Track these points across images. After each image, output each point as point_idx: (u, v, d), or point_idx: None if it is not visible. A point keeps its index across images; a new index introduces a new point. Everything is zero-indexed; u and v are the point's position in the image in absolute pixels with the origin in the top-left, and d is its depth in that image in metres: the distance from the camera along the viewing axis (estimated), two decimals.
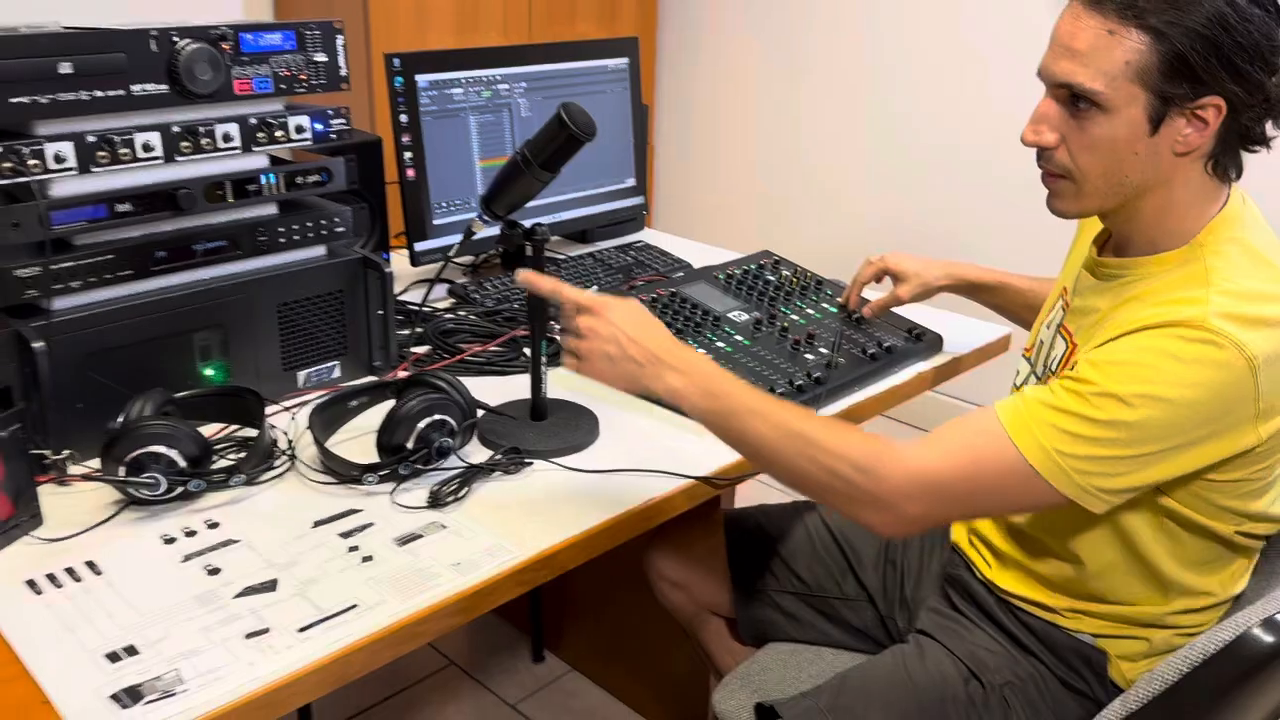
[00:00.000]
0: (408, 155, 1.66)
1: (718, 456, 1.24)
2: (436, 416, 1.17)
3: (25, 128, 1.13)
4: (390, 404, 1.22)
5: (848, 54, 3.14)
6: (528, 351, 1.52)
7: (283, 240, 1.33)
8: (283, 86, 1.29)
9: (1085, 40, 0.98)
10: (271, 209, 1.34)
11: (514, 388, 1.39)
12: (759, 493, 2.61)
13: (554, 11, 3.07)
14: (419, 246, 1.70)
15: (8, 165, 1.09)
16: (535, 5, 3.01)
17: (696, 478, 1.19)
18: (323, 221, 1.37)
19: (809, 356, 1.44)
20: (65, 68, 1.12)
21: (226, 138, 1.25)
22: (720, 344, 1.44)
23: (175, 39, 1.19)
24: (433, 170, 1.69)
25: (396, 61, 1.61)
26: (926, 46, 2.94)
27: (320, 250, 1.38)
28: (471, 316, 1.62)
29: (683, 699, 1.85)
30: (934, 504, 1.01)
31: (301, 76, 1.30)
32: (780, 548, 1.44)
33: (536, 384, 1.29)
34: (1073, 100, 1.01)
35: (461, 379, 1.28)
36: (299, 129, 1.31)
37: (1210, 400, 0.94)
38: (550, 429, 1.28)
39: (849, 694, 1.20)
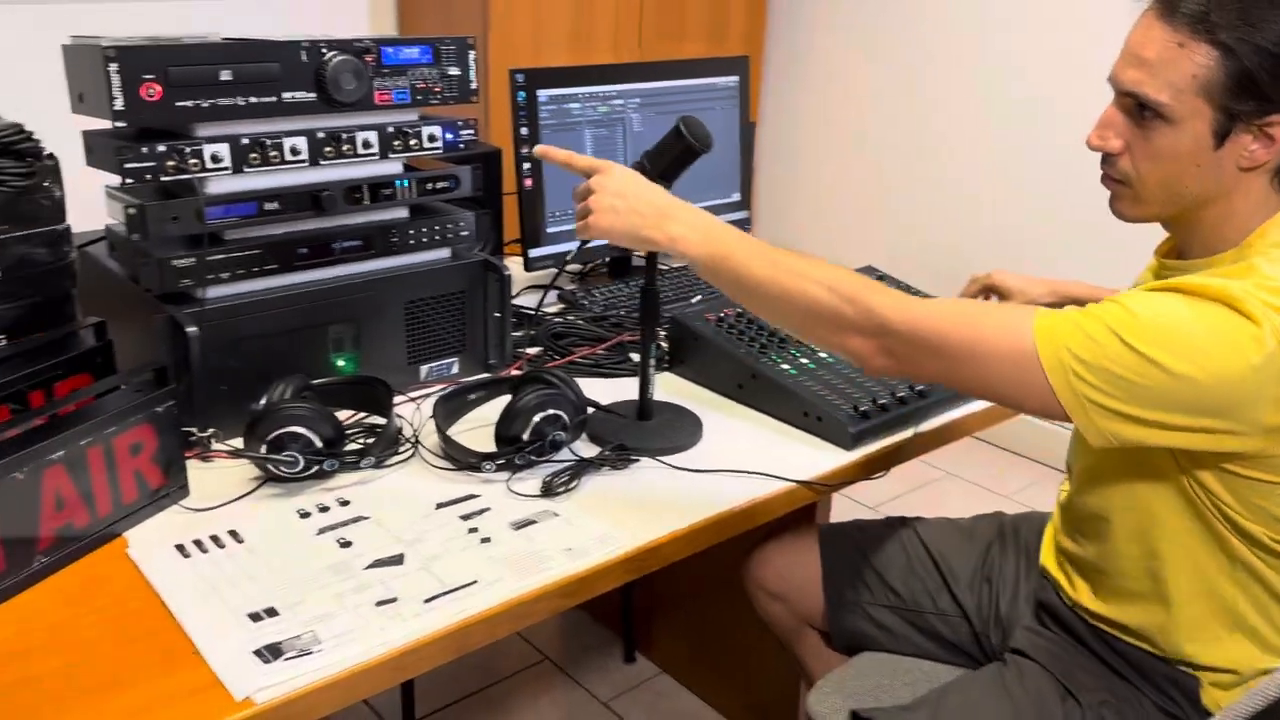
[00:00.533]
0: (526, 165, 1.74)
1: (817, 463, 1.27)
2: (551, 411, 1.23)
3: (187, 129, 1.24)
4: (507, 399, 1.29)
5: (957, 71, 3.14)
6: (634, 356, 1.57)
7: (412, 242, 1.41)
8: (418, 98, 1.38)
9: (1154, 50, 0.99)
10: (403, 212, 1.42)
11: (620, 389, 1.45)
12: (852, 509, 2.62)
13: (664, 29, 3.14)
14: (533, 253, 1.77)
15: (171, 164, 1.19)
16: (646, 23, 3.09)
17: (797, 481, 1.22)
18: (449, 226, 1.44)
19: None
20: (225, 75, 1.21)
21: (366, 144, 1.34)
22: (822, 354, 1.47)
23: (324, 50, 1.28)
24: (549, 180, 1.76)
25: (520, 77, 1.69)
26: (1039, 60, 2.92)
27: (445, 253, 1.46)
28: (579, 321, 1.68)
29: (772, 706, 1.88)
30: (920, 351, 1.02)
31: (435, 89, 1.39)
32: (875, 562, 1.45)
33: (644, 385, 1.34)
34: (1138, 109, 1.02)
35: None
36: (431, 138, 1.39)
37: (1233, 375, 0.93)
38: (656, 429, 1.33)
39: (948, 711, 1.21)
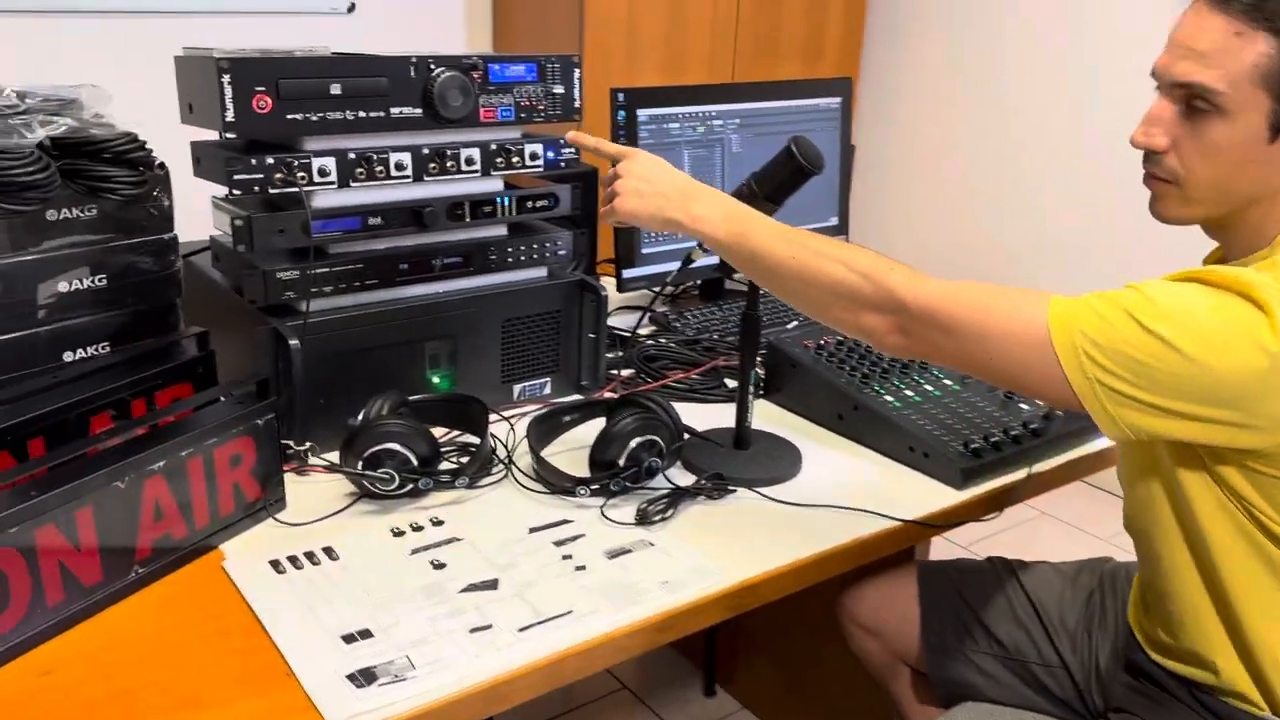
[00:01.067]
0: None
1: (924, 501, 1.21)
2: (648, 437, 1.20)
3: (295, 143, 1.24)
4: (602, 422, 1.26)
5: (1050, 91, 3.05)
6: (729, 381, 1.54)
7: (510, 260, 1.40)
8: (522, 115, 1.36)
9: (1209, 41, 0.95)
10: (502, 230, 1.41)
11: (714, 415, 1.41)
12: (945, 546, 2.54)
13: (759, 50, 3.11)
14: (627, 274, 1.75)
15: (278, 176, 1.20)
16: (741, 44, 3.06)
17: (904, 520, 1.17)
18: (546, 244, 1.43)
19: (1024, 406, 1.39)
20: (335, 89, 1.21)
21: (469, 161, 1.33)
22: (928, 387, 1.41)
23: (432, 66, 1.27)
24: None
25: (621, 96, 1.67)
26: (1137, 89, 2.81)
27: (542, 271, 1.45)
28: (672, 344, 1.65)
29: None
30: (933, 330, 1.00)
31: (539, 106, 1.37)
32: (977, 606, 1.39)
33: (742, 412, 1.30)
34: (1188, 104, 0.98)
35: None
36: (533, 156, 1.38)
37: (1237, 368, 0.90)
38: (753, 458, 1.29)
39: None
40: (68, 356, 1.19)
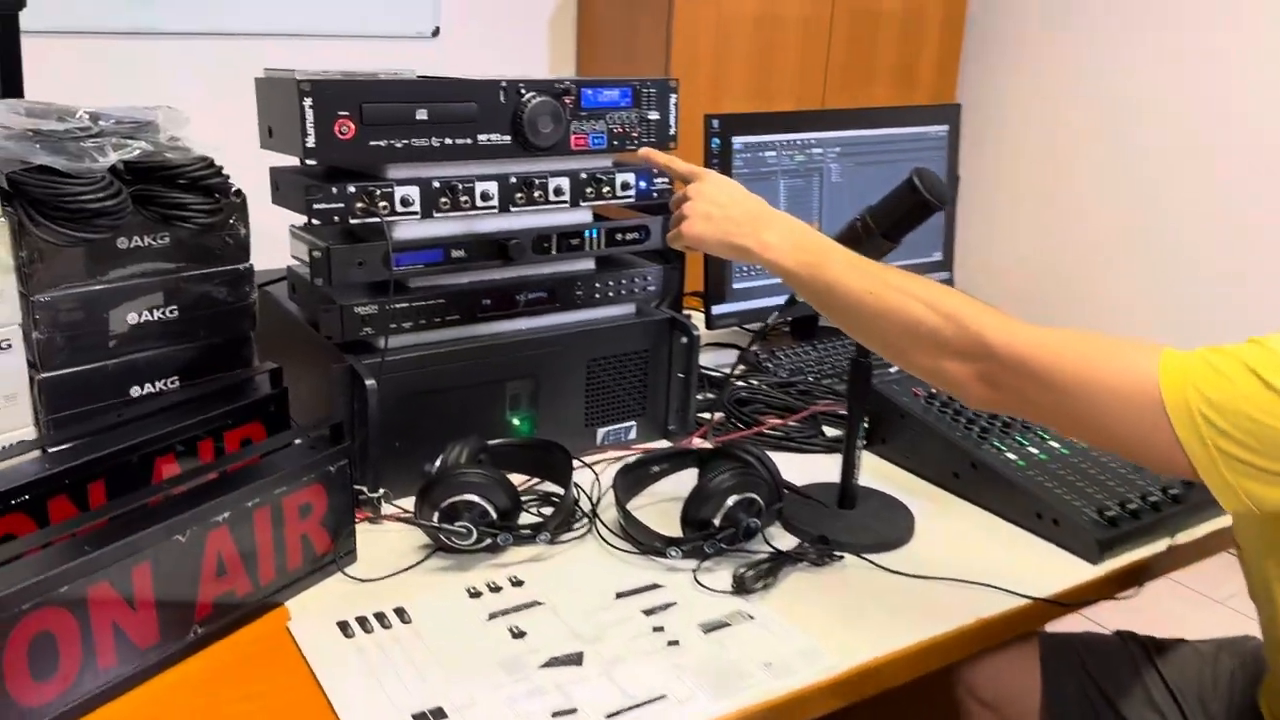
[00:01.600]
0: None
1: (1056, 575, 1.09)
2: (746, 494, 1.10)
3: (378, 170, 1.17)
4: (692, 474, 1.16)
5: (1160, 115, 2.88)
6: (829, 430, 1.43)
7: (597, 295, 1.31)
8: (615, 143, 1.28)
9: None
10: (589, 264, 1.33)
11: (813, 468, 1.30)
12: (1075, 621, 2.36)
13: (849, 77, 3.00)
14: (716, 309, 1.65)
15: (360, 206, 1.13)
16: (831, 70, 2.96)
17: (1039, 599, 1.04)
18: (635, 279, 1.34)
19: None
20: (421, 114, 1.14)
21: (558, 191, 1.25)
22: (1054, 444, 1.28)
23: (523, 91, 1.19)
24: None
25: (716, 123, 1.58)
26: (1250, 100, 2.64)
27: (629, 308, 1.36)
28: (764, 386, 1.54)
29: None
30: (1025, 381, 0.89)
31: (633, 134, 1.29)
32: (1106, 687, 1.25)
33: (849, 468, 1.19)
34: None
35: None
36: (624, 186, 1.30)
37: None
38: (860, 519, 1.18)
39: None
40: (135, 391, 1.13)
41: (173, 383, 1.16)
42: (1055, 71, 3.15)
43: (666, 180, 1.33)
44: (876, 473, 1.31)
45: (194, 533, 0.90)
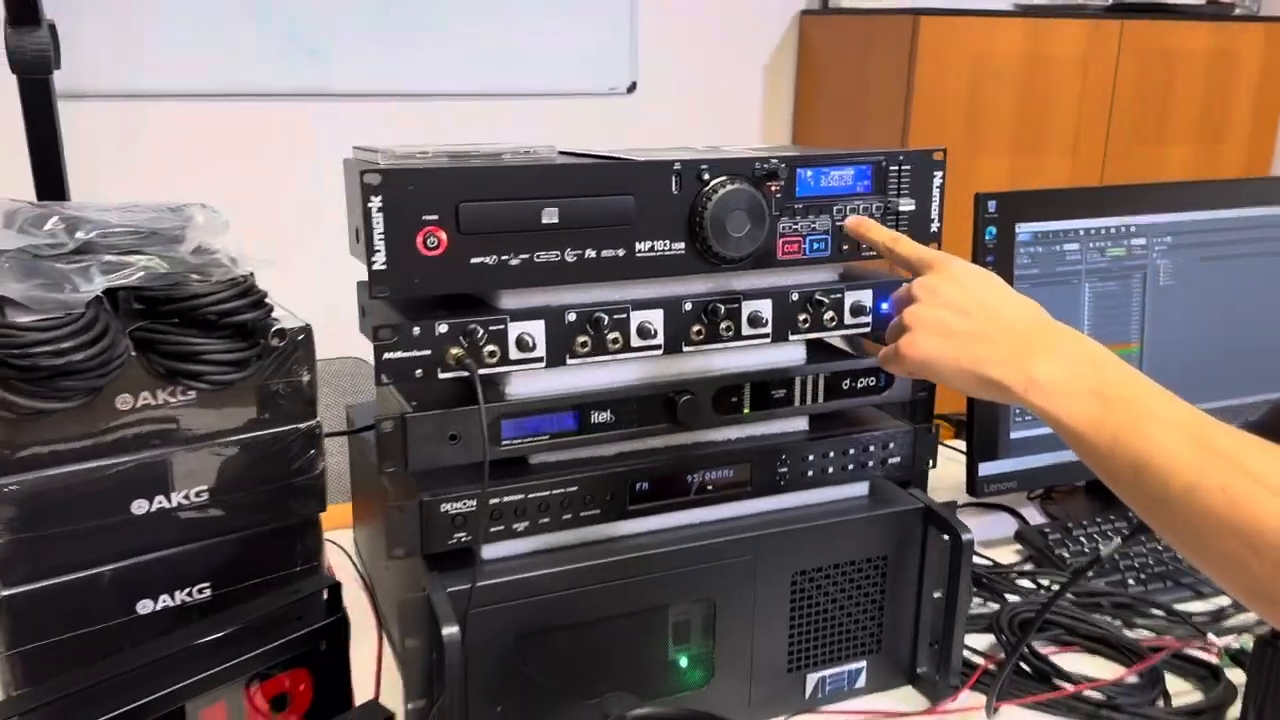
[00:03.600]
0: None
1: None
2: None
3: (486, 295, 0.79)
4: None
5: None
6: (1174, 682, 0.92)
7: (811, 473, 0.88)
8: (844, 247, 0.85)
9: None
10: (800, 424, 0.90)
11: None
12: None
13: (1139, 133, 2.43)
14: (986, 468, 1.17)
15: (455, 352, 0.75)
16: (1115, 125, 2.40)
17: None
18: (870, 447, 0.89)
19: None
20: (550, 216, 0.76)
21: (755, 320, 0.83)
22: None
23: (705, 174, 0.79)
24: None
25: (991, 204, 1.12)
26: None
27: (860, 489, 0.91)
28: (1068, 597, 1.04)
29: None
30: None
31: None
32: None
33: None
34: None
35: None
36: (857, 310, 0.87)
37: None
38: None
39: None
40: (144, 607, 0.80)
41: (201, 592, 0.82)
42: None
43: None
44: None
45: None
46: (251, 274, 0.79)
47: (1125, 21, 2.33)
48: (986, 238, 1.12)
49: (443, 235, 0.73)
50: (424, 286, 0.73)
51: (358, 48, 2.08)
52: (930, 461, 0.93)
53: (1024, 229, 1.14)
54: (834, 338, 0.92)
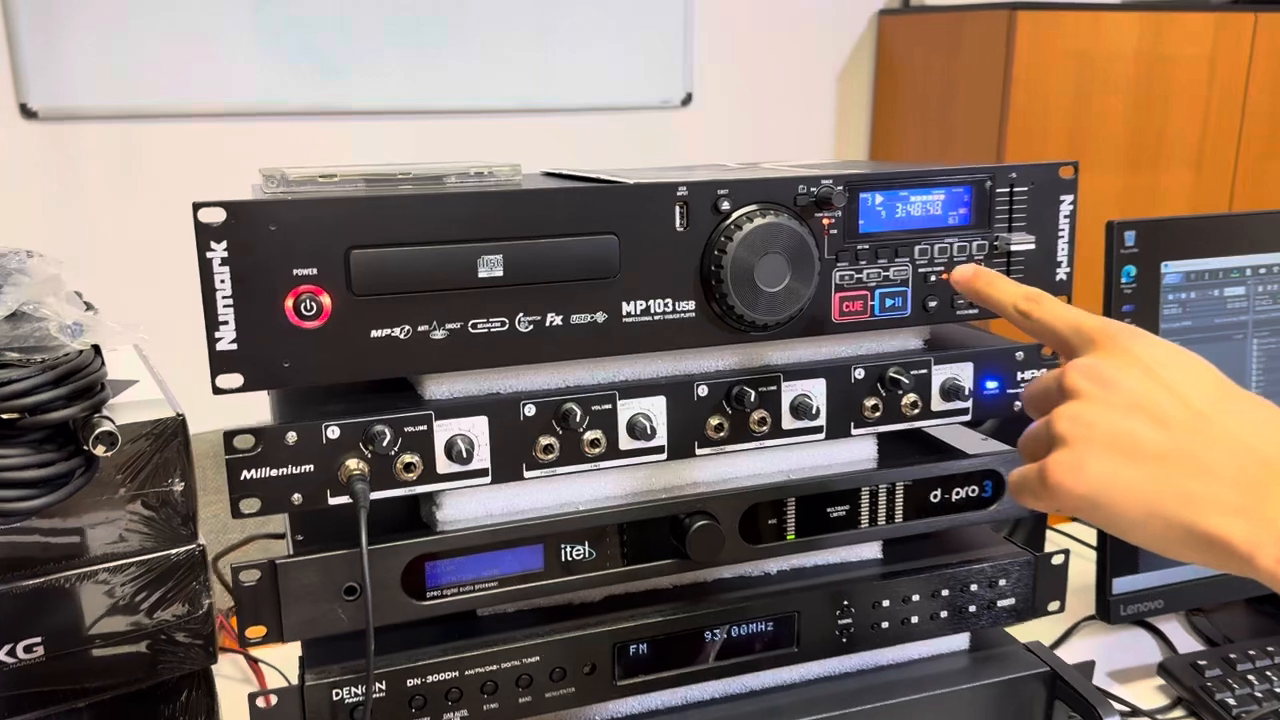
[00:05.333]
0: None
1: None
2: None
3: (413, 381, 0.55)
4: None
5: None
6: None
7: (885, 624, 0.62)
8: (931, 302, 0.59)
9: None
10: (869, 552, 0.64)
11: None
12: None
13: (1276, 139, 2.10)
14: (1121, 584, 0.88)
15: (353, 467, 0.51)
16: (1248, 130, 2.08)
17: None
18: (971, 585, 0.63)
19: None
20: (492, 266, 0.51)
21: (801, 409, 0.58)
22: None
23: (725, 202, 0.54)
24: None
25: (1129, 235, 0.84)
26: None
27: (957, 643, 0.65)
28: None
29: None
30: None
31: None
32: None
33: None
34: None
35: None
36: (950, 392, 0.60)
37: None
38: None
39: None
40: None
41: None
42: None
43: (1042, 373, 0.63)
44: None
45: None
46: (92, 350, 0.56)
47: (1260, 14, 2.02)
48: (1123, 280, 0.84)
49: (325, 299, 0.49)
50: (298, 374, 0.50)
51: (381, 62, 1.89)
52: (1059, 604, 0.66)
53: (1172, 268, 0.86)
54: (921, 427, 0.65)
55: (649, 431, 0.55)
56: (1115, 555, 0.88)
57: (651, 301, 0.54)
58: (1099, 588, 0.89)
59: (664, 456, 0.56)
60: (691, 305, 0.55)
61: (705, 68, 2.12)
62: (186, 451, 0.60)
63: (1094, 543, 0.90)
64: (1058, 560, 0.65)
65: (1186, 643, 0.96)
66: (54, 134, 1.73)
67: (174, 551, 0.61)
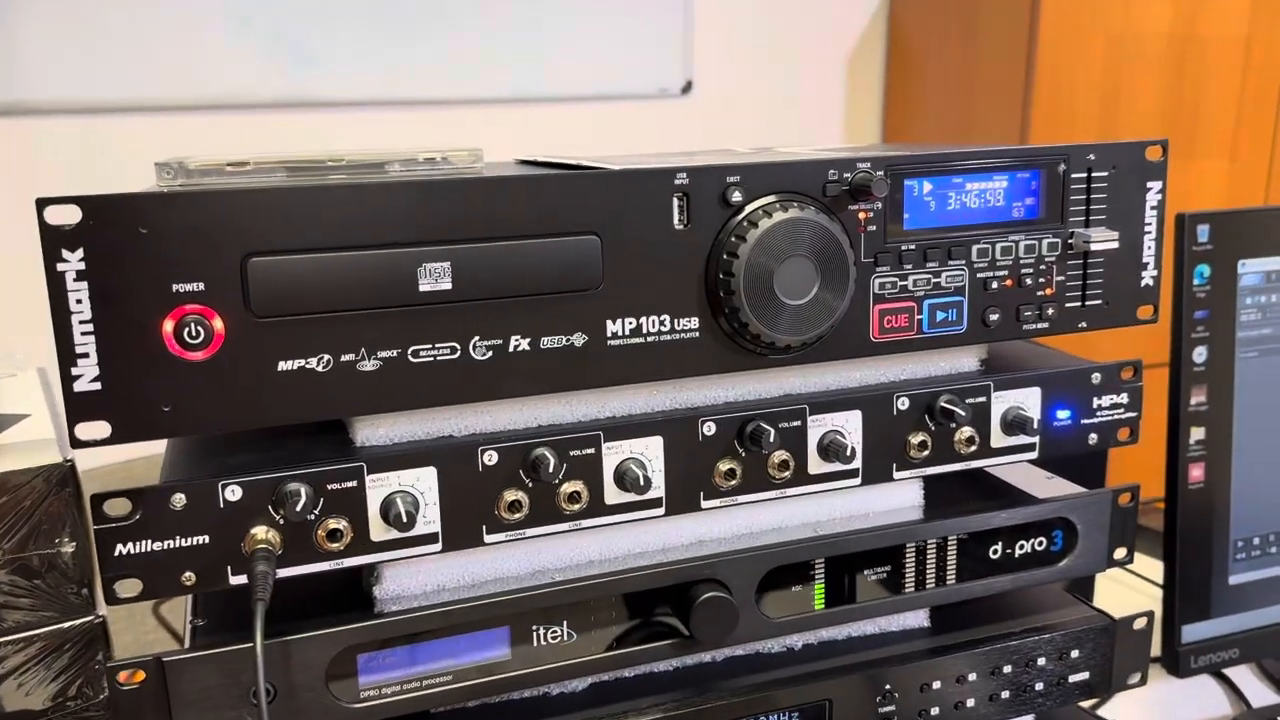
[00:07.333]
0: (1191, 438, 0.75)
1: None
2: None
3: (345, 424, 0.44)
4: None
5: None
6: None
7: (936, 709, 0.50)
8: (990, 317, 0.47)
9: None
10: (916, 620, 0.52)
11: None
12: None
13: None
14: (1191, 634, 0.77)
15: (260, 537, 0.40)
16: None
17: None
18: (1038, 658, 0.52)
19: None
20: (436, 278, 0.40)
21: (831, 449, 0.46)
22: None
23: (736, 193, 0.42)
24: (1245, 468, 0.75)
25: (1202, 231, 0.72)
26: None
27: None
28: None
29: None
30: None
31: (1042, 289, 0.48)
32: None
33: None
34: None
35: None
36: (1013, 423, 0.49)
37: None
38: None
39: None
40: None
41: None
42: None
43: (1131, 399, 0.51)
44: None
45: None
46: None
47: None
48: (1196, 282, 0.72)
49: (216, 322, 0.38)
50: (181, 420, 0.38)
51: (361, 48, 1.78)
52: (1139, 676, 0.55)
53: (1250, 267, 0.74)
54: (980, 465, 0.54)
55: (642, 481, 0.44)
56: (1185, 597, 0.76)
57: (644, 319, 0.43)
58: (1165, 636, 0.78)
59: (661, 512, 0.45)
60: (694, 322, 0.43)
61: (705, 53, 2.01)
62: (78, 504, 0.49)
63: (1149, 575, 0.79)
64: (1139, 625, 0.54)
65: (1260, 693, 0.84)
66: (7, 130, 1.62)
67: (67, 624, 0.50)
